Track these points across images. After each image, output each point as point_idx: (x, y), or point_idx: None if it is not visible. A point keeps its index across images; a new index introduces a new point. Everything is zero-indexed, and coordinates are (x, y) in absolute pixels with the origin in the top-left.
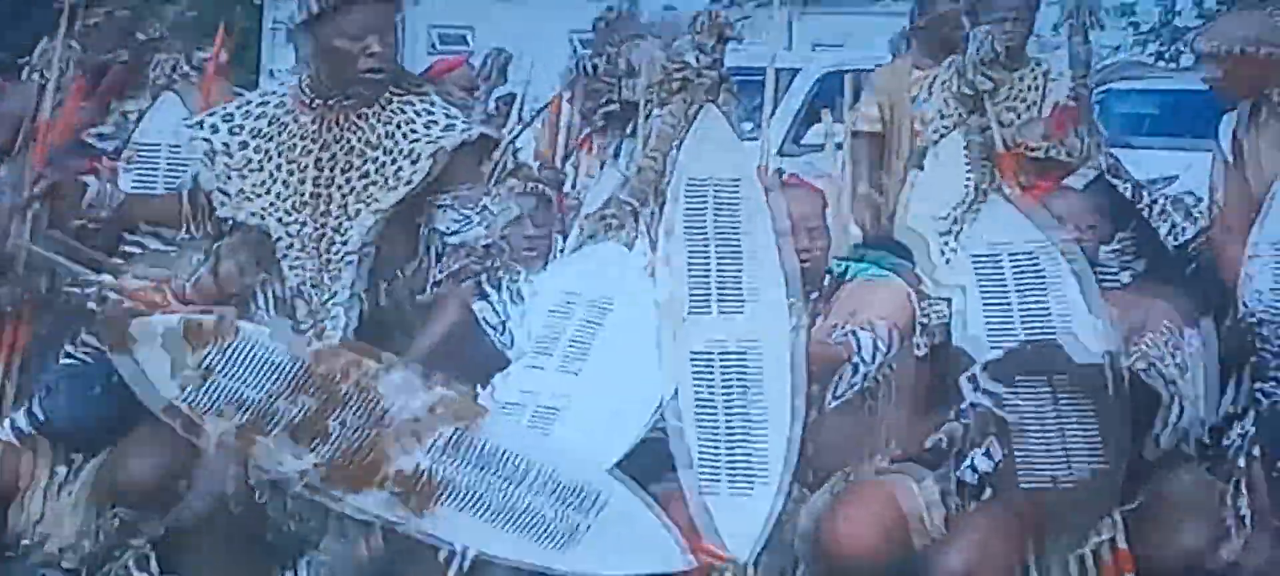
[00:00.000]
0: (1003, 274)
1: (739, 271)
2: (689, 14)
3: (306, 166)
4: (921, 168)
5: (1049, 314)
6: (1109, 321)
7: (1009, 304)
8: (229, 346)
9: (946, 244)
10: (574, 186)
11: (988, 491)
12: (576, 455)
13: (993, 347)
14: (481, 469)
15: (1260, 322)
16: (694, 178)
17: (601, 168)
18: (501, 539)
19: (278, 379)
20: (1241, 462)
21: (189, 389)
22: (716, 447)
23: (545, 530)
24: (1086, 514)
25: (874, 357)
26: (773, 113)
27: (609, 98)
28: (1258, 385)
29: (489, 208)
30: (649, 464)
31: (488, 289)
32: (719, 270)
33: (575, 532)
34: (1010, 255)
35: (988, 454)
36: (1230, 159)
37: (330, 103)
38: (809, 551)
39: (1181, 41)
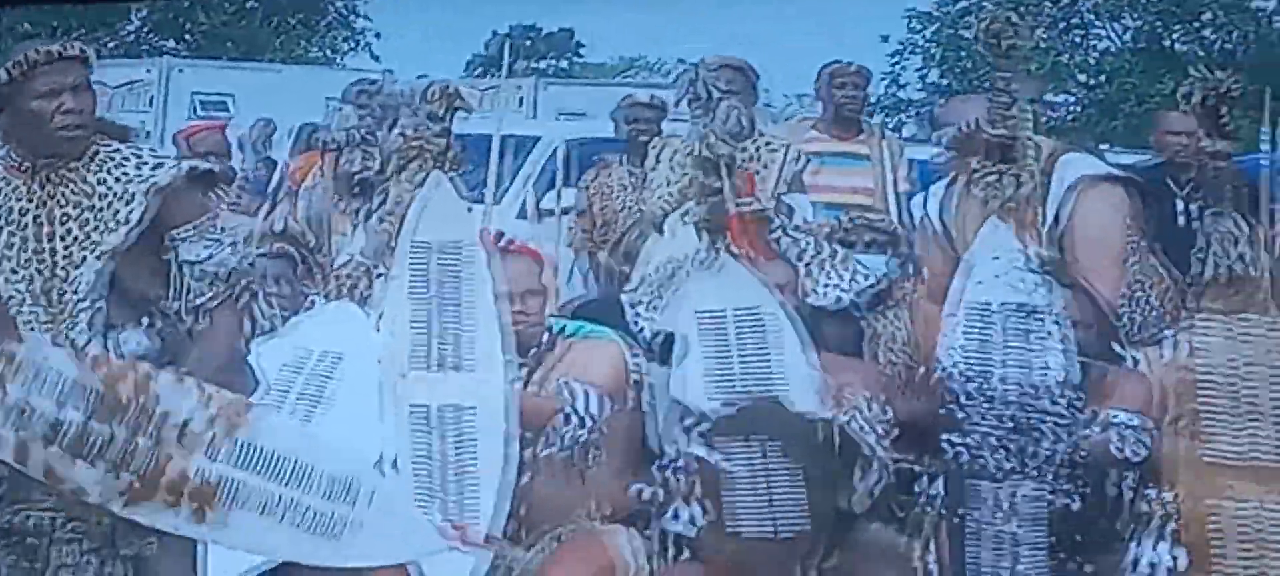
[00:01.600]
0: (726, 331)
1: (458, 330)
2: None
3: (26, 226)
4: (660, 232)
5: (769, 371)
6: (824, 381)
7: (730, 360)
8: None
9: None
10: (328, 250)
11: (694, 547)
12: (341, 449)
13: (711, 402)
14: (255, 469)
15: (951, 377)
16: (419, 240)
17: (352, 231)
18: (278, 535)
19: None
20: (929, 517)
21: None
22: (431, 500)
23: (317, 524)
24: (786, 570)
25: (587, 410)
26: (506, 180)
27: (365, 164)
28: (948, 437)
29: (233, 232)
30: None
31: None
32: (440, 328)
33: (345, 524)
34: (734, 312)
35: (701, 507)
36: (939, 226)
37: (39, 163)
38: None
39: (905, 113)
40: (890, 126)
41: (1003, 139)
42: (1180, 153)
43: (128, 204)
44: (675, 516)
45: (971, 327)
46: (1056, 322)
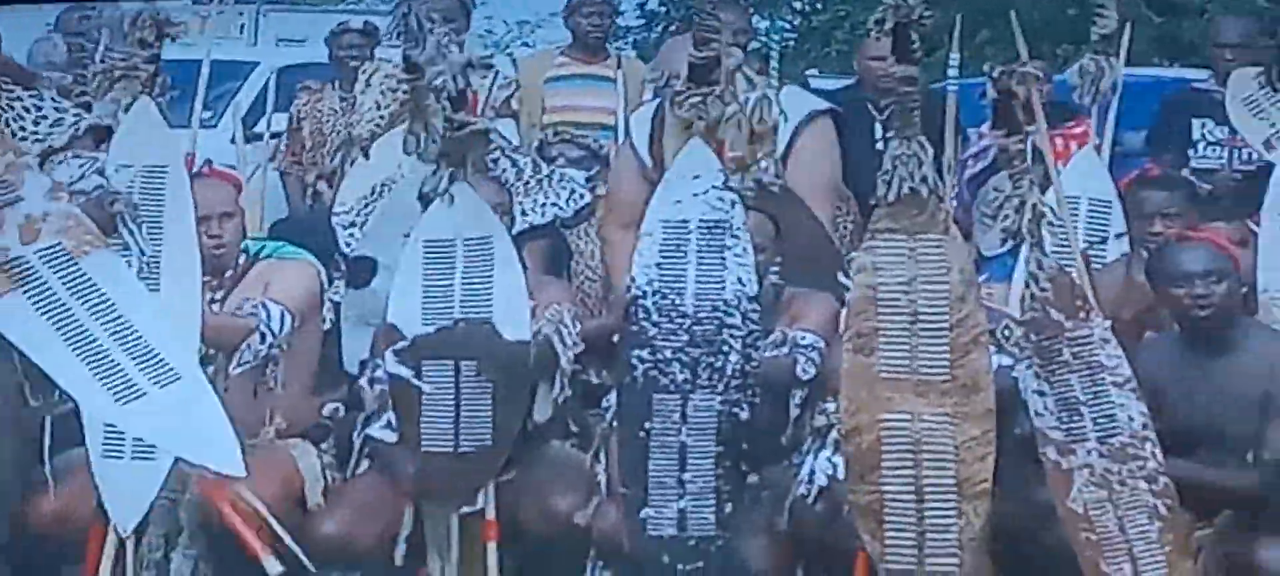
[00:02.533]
0: (453, 259)
1: (158, 251)
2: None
3: None
4: (366, 155)
5: (489, 297)
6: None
7: (452, 286)
8: None
9: (352, 233)
10: None
11: (379, 460)
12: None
13: (425, 326)
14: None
15: (644, 294)
16: (122, 164)
17: None
18: (67, 364)
19: None
20: (602, 430)
21: None
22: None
23: (114, 378)
24: (468, 484)
25: (280, 329)
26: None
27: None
28: (636, 352)
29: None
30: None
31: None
32: (143, 250)
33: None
34: (464, 242)
35: (388, 425)
36: (640, 147)
37: None
38: (197, 519)
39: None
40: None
41: (707, 61)
42: (880, 78)
43: None
44: (362, 430)
45: (668, 245)
46: (748, 241)
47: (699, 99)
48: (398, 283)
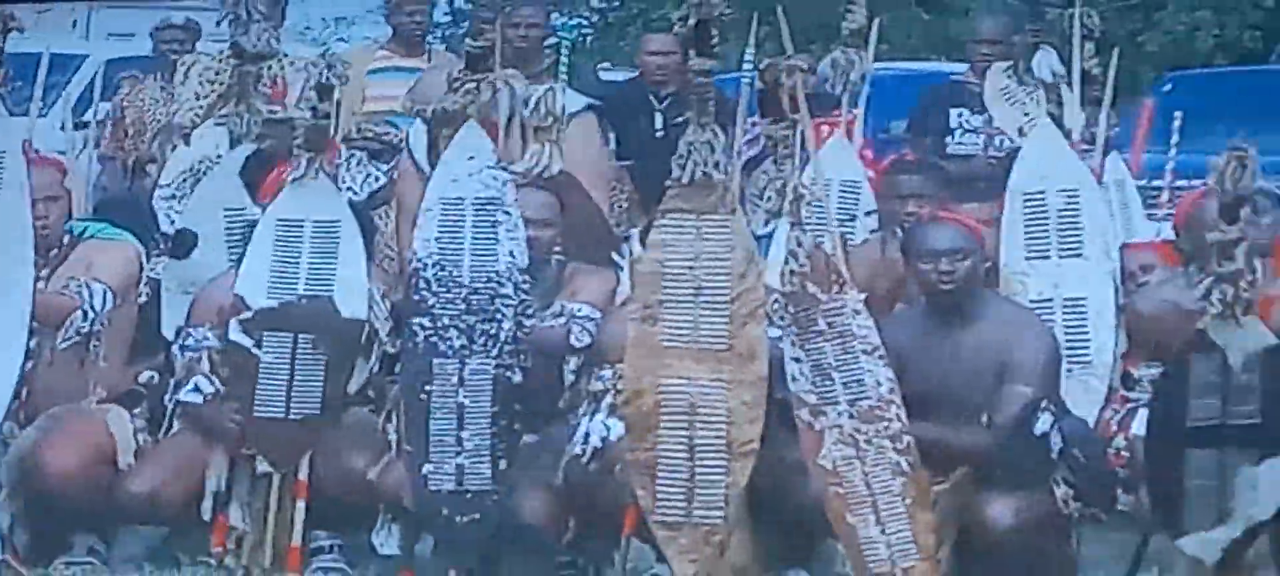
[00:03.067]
0: (301, 238)
1: None
2: None
3: None
4: (186, 141)
5: (331, 275)
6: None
7: (299, 263)
8: None
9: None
10: None
11: (198, 422)
12: None
13: (270, 298)
14: None
15: (424, 266)
16: None
17: None
18: None
19: None
20: (392, 394)
21: None
22: None
23: None
24: (295, 448)
25: (102, 306)
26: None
27: None
28: (415, 320)
29: None
30: None
31: None
32: None
33: None
34: (313, 222)
35: (196, 388)
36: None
37: None
38: (16, 478)
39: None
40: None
41: (482, 50)
42: (659, 71)
43: None
44: (174, 394)
45: (445, 221)
46: (519, 217)
47: (473, 86)
48: (248, 257)
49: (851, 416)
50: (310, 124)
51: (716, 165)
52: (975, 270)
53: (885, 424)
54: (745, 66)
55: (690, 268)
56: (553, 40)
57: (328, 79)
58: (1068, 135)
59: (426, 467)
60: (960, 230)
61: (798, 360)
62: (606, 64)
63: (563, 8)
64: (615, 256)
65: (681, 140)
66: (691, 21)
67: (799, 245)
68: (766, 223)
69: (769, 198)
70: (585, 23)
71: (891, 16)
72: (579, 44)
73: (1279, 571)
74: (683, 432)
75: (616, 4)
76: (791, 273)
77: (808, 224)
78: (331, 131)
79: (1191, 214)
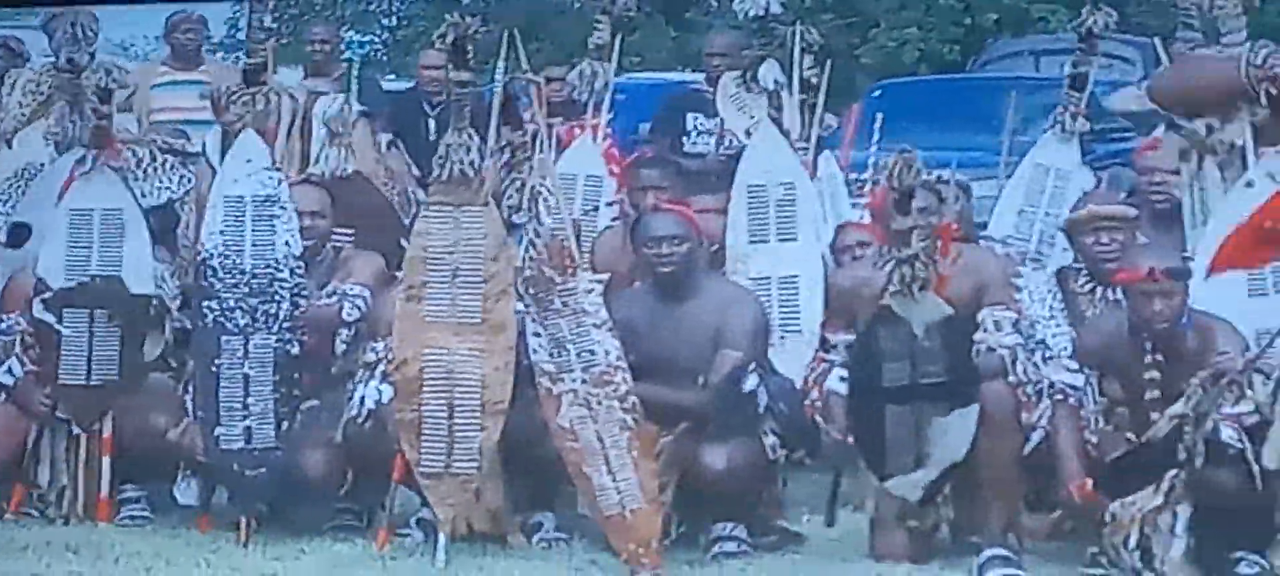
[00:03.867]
0: (92, 227)
1: None
2: None
3: None
4: (10, 145)
5: (120, 258)
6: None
7: (91, 248)
8: None
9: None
10: None
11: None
12: None
13: (68, 279)
14: None
15: (211, 256)
16: None
17: None
18: None
19: None
20: (188, 366)
21: None
22: None
23: None
24: (97, 408)
25: None
26: None
27: None
28: (204, 304)
29: None
30: None
31: None
32: None
33: None
34: (102, 211)
35: (9, 371)
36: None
37: None
38: None
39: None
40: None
41: (257, 66)
42: (432, 82)
43: None
44: None
45: (228, 216)
46: (293, 211)
47: (248, 98)
48: (46, 244)
49: (584, 382)
50: (94, 125)
51: (471, 164)
52: (691, 254)
53: (613, 387)
54: (496, 78)
55: (449, 253)
56: (346, 55)
57: (107, 84)
58: (787, 136)
59: (218, 429)
60: (678, 219)
61: (537, 335)
62: (392, 76)
63: (356, 26)
64: (403, 243)
65: (441, 142)
66: (450, 38)
67: (537, 236)
68: (514, 215)
69: (510, 195)
70: (376, 40)
71: (645, 33)
72: (372, 58)
73: (956, 502)
74: (443, 395)
75: (405, 21)
76: (531, 259)
77: (546, 216)
78: (113, 131)
79: (882, 203)
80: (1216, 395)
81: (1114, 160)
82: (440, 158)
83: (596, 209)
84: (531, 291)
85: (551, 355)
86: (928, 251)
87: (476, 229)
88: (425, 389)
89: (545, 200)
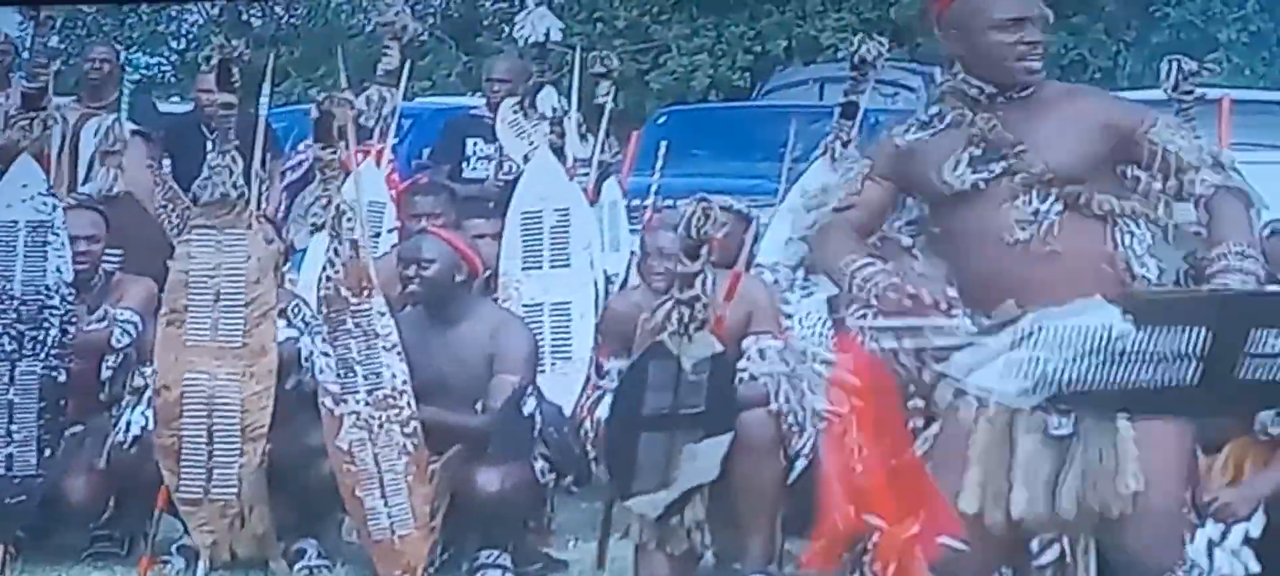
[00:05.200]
0: None
1: None
2: None
3: None
4: None
5: None
6: None
7: None
8: None
9: None
10: None
11: None
12: None
13: None
14: None
15: None
16: None
17: None
18: None
19: None
20: None
21: None
22: None
23: None
24: None
25: None
26: None
27: None
28: None
29: None
30: None
31: None
32: None
33: None
34: None
35: None
36: None
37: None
38: None
39: None
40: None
41: (36, 91)
42: (209, 105)
43: None
44: None
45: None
46: (66, 237)
47: (26, 123)
48: None
49: (368, 404)
50: None
51: (234, 186)
52: (444, 275)
53: (397, 410)
54: (262, 103)
55: (211, 275)
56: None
57: None
58: (564, 161)
59: None
60: (435, 242)
61: (326, 354)
62: (176, 97)
63: (144, 47)
64: (169, 264)
65: (205, 164)
66: (214, 61)
67: (336, 255)
68: (311, 235)
69: (315, 213)
70: (164, 61)
71: (435, 58)
72: (159, 79)
73: (712, 521)
74: (202, 420)
75: (194, 43)
76: (328, 278)
77: (346, 236)
78: None
79: (649, 232)
80: None
81: None
82: (204, 179)
83: (378, 235)
84: (325, 311)
85: (337, 376)
86: (709, 293)
87: (239, 252)
88: (185, 414)
89: (348, 220)
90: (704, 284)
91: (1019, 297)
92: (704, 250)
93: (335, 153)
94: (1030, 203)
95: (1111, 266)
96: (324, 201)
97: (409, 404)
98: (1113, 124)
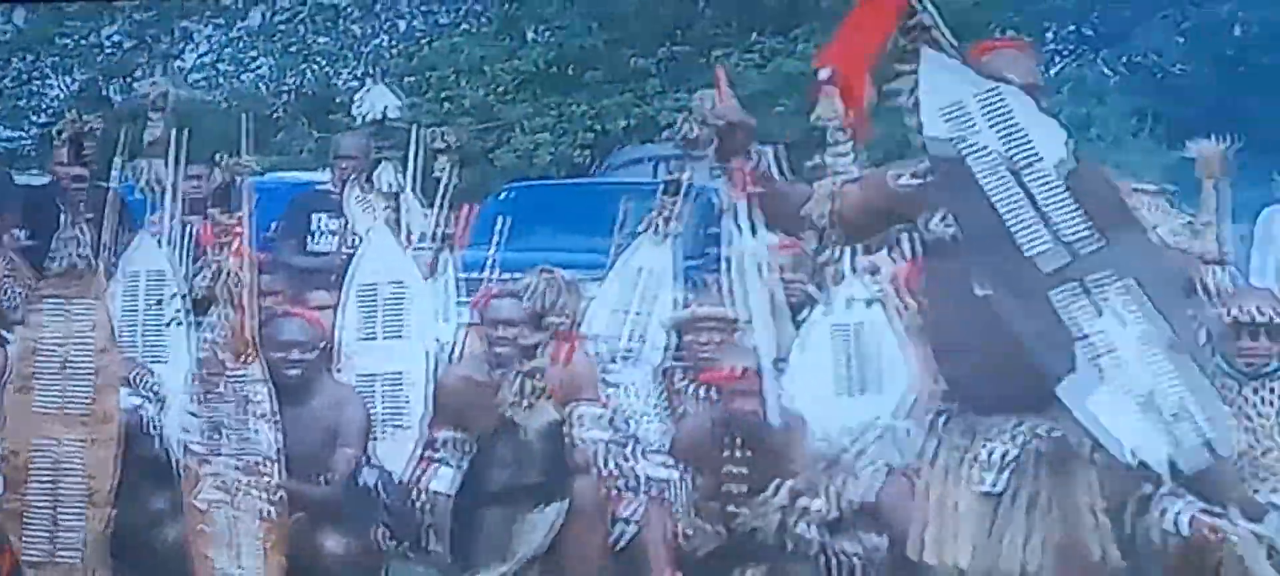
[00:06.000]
0: None
1: None
2: None
3: None
4: None
5: None
6: None
7: None
8: None
9: None
10: None
11: None
12: None
13: None
14: None
15: None
16: None
17: None
18: None
19: None
20: None
21: None
22: None
23: None
24: None
25: None
26: None
27: None
28: None
29: None
30: None
31: None
32: None
33: None
34: None
35: None
36: None
37: None
38: None
39: None
40: None
41: None
42: (62, 177)
43: None
44: None
45: None
46: None
47: None
48: None
49: (236, 468)
50: None
51: (82, 257)
52: (317, 358)
53: (265, 477)
54: (113, 176)
55: (59, 345)
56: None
57: None
58: (403, 236)
59: None
60: (304, 324)
61: (195, 415)
62: (36, 170)
63: (3, 121)
64: (4, 333)
65: (55, 236)
66: (66, 135)
67: (223, 320)
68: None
69: (205, 280)
70: (25, 135)
71: (288, 134)
72: (20, 152)
73: None
74: (48, 485)
75: (55, 117)
76: (207, 341)
77: (234, 302)
78: None
79: (485, 305)
80: (800, 491)
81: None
82: (54, 250)
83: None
84: (202, 371)
85: (203, 436)
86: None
87: (87, 320)
88: (30, 479)
89: (235, 286)
90: (545, 353)
91: (981, 355)
92: (547, 320)
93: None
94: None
95: None
96: (213, 268)
97: (277, 471)
98: None
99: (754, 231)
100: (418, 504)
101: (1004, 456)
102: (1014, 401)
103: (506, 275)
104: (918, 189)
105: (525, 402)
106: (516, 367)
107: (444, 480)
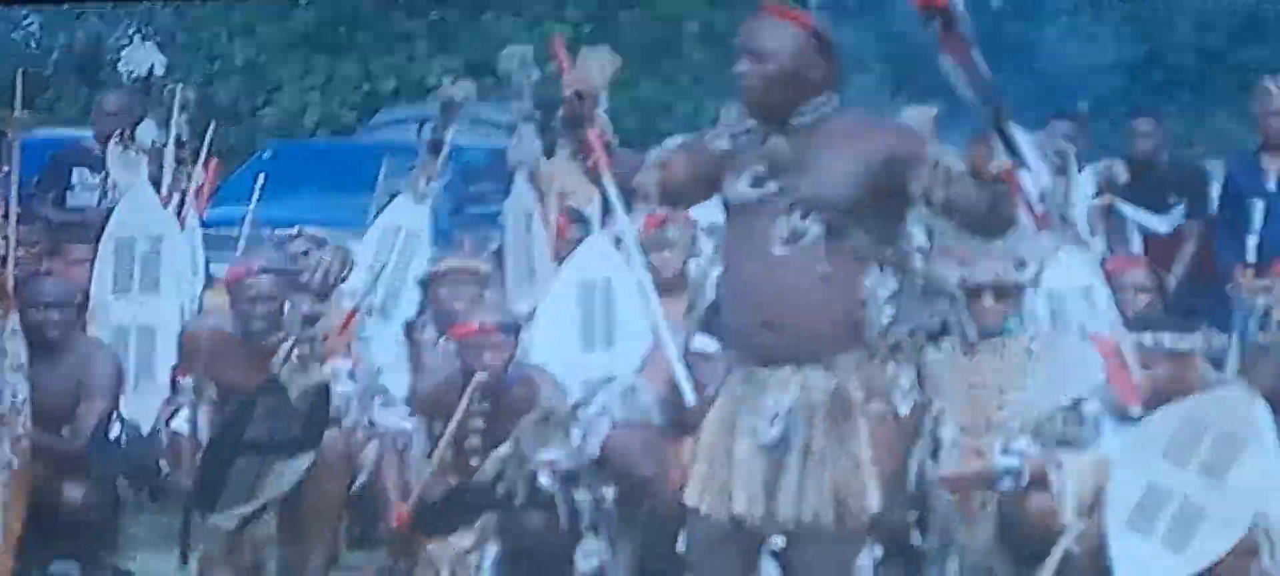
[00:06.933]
0: None
1: None
2: None
3: None
4: None
5: None
6: None
7: None
8: None
9: None
10: None
11: None
12: None
13: None
14: None
15: None
16: None
17: None
18: None
19: None
20: None
21: None
22: None
23: None
24: None
25: None
26: None
27: None
28: None
29: None
30: None
31: None
32: None
33: None
34: None
35: None
36: None
37: None
38: None
39: None
40: None
41: None
42: None
43: None
44: None
45: None
46: None
47: None
48: None
49: None
50: None
51: None
52: (73, 313)
53: (10, 428)
54: None
55: None
56: None
57: None
58: (163, 192)
59: None
60: (64, 283)
61: None
62: None
63: None
64: None
65: None
66: None
67: None
68: None
69: None
70: None
71: (56, 91)
72: None
73: (280, 534)
74: None
75: None
76: None
77: None
78: None
79: (235, 278)
80: (536, 442)
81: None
82: None
83: None
84: None
85: None
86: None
87: None
88: None
89: None
90: (304, 324)
91: (770, 311)
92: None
93: None
94: (789, 222)
95: (861, 307)
96: None
97: (24, 424)
98: (895, 156)
99: (629, 207)
100: (161, 449)
101: (782, 406)
102: (794, 354)
103: (264, 229)
104: (730, 150)
105: (298, 367)
106: (293, 334)
107: (183, 420)
